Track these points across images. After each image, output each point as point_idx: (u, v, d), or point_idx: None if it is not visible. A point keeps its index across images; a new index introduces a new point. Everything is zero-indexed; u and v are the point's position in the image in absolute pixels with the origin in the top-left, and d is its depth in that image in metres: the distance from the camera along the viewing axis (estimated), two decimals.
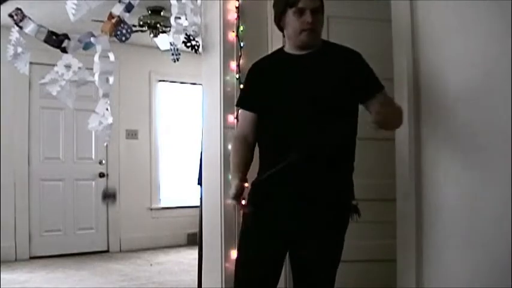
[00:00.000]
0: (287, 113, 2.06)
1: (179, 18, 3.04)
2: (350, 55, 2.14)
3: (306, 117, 2.03)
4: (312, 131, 2.01)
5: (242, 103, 2.28)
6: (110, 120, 2.94)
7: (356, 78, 2.07)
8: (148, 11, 5.10)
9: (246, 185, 2.11)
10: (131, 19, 3.07)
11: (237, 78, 3.02)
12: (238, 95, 2.62)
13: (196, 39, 3.11)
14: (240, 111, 2.37)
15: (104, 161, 6.45)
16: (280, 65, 2.19)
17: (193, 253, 4.80)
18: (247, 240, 2.16)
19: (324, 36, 2.84)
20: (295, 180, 2.01)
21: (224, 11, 3.07)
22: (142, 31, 5.06)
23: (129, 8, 2.88)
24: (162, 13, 5.11)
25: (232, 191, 2.06)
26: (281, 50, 2.25)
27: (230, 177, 2.27)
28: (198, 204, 3.40)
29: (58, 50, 2.87)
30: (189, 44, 3.09)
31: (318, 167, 2.01)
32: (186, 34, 3.06)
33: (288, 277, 2.76)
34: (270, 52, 2.53)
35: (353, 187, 2.14)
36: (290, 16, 2.10)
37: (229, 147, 3.00)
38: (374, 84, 2.12)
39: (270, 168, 2.03)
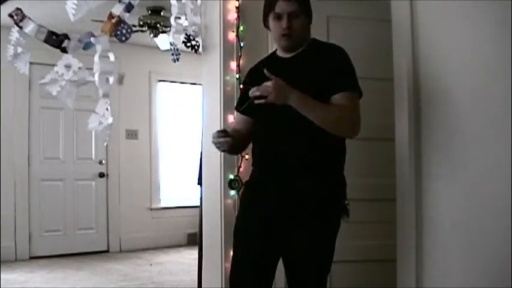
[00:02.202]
0: (273, 116, 2.06)
1: (179, 18, 3.04)
2: (332, 51, 2.12)
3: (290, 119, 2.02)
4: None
5: (236, 106, 2.39)
6: (110, 120, 2.94)
7: (332, 72, 2.03)
8: (148, 11, 5.11)
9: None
10: (131, 19, 3.07)
11: (237, 78, 3.02)
12: (238, 95, 2.66)
13: (196, 39, 3.11)
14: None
15: (104, 161, 6.46)
16: (269, 69, 2.20)
17: (193, 253, 4.81)
18: (237, 241, 2.16)
19: (323, 36, 2.85)
20: (280, 183, 2.04)
21: (224, 11, 3.07)
22: (142, 31, 5.07)
23: (129, 8, 2.88)
24: (162, 13, 5.12)
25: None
26: (273, 53, 2.28)
27: None
28: (198, 204, 3.40)
29: (58, 50, 2.86)
30: (189, 44, 3.08)
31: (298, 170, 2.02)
32: (186, 34, 3.06)
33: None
34: (269, 52, 2.54)
35: (344, 187, 2.11)
36: (271, 20, 2.12)
37: None
38: (344, 81, 2.05)
39: (259, 171, 2.14)
